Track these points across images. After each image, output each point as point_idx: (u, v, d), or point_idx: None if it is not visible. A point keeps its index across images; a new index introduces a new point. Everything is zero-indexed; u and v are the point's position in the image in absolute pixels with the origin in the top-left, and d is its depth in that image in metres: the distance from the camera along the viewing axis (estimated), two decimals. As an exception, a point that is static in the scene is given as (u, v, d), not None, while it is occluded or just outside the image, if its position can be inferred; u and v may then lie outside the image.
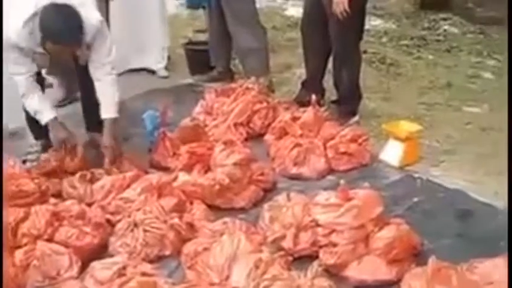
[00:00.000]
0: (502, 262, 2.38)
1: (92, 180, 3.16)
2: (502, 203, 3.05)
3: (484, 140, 3.83)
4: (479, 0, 7.78)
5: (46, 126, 3.32)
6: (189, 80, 4.87)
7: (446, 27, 6.39)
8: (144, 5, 4.77)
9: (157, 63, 4.96)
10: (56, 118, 3.29)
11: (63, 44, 3.03)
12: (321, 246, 2.65)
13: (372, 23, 6.26)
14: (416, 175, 3.36)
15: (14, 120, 3.75)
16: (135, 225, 2.76)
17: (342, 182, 2.76)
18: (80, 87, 3.70)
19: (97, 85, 3.31)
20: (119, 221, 2.85)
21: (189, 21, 6.40)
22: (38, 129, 3.46)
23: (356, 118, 4.00)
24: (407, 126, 3.57)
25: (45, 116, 3.27)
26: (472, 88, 4.78)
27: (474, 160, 3.56)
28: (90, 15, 3.12)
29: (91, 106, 3.49)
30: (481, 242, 2.74)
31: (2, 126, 3.53)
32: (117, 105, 3.34)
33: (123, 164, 3.32)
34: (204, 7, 4.94)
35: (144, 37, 4.84)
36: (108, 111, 3.31)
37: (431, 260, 2.37)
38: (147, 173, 3.26)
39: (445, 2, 7.37)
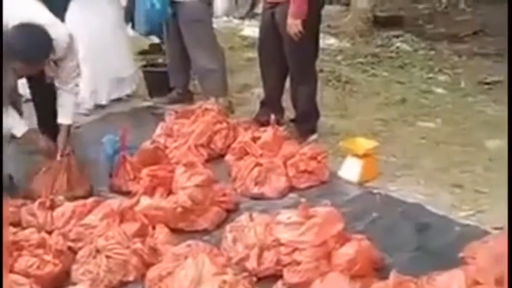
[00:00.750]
0: (459, 274, 2.45)
1: (52, 207, 3.11)
2: (458, 215, 3.15)
3: (439, 154, 3.94)
4: (429, 18, 8.07)
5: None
6: (148, 102, 4.86)
7: (398, 44, 6.58)
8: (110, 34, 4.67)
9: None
10: (30, 130, 3.38)
11: (30, 63, 3.10)
12: (284, 265, 2.68)
13: (327, 41, 6.39)
14: (375, 191, 3.43)
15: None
16: (97, 251, 2.73)
17: (302, 200, 2.80)
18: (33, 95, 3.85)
19: (59, 93, 3.46)
20: (81, 248, 2.82)
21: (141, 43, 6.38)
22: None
23: (315, 136, 4.07)
24: (364, 143, 3.65)
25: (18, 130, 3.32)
26: (425, 103, 4.92)
27: (430, 174, 3.66)
28: (60, 31, 3.21)
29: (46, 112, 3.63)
30: (439, 255, 2.82)
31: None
32: (72, 114, 3.58)
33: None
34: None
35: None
36: (65, 117, 3.50)
37: (393, 274, 2.42)
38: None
39: (397, 20, 7.61)
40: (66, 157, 3.47)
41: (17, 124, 3.34)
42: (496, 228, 2.90)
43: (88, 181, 3.51)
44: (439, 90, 5.27)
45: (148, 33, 4.84)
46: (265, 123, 3.99)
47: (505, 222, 2.83)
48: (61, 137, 3.49)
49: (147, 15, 4.41)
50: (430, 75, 5.67)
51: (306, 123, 4.10)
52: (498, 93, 5.10)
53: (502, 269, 2.51)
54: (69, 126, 3.56)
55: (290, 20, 3.76)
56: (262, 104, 4.35)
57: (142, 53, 5.82)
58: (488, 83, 5.37)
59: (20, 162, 3.62)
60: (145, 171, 3.37)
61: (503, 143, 4.00)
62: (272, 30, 3.98)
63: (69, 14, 4.34)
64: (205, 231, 3.09)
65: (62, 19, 4.18)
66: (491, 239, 2.76)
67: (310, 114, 4.12)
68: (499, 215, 3.16)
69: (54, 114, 3.53)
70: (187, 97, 4.79)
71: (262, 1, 4.44)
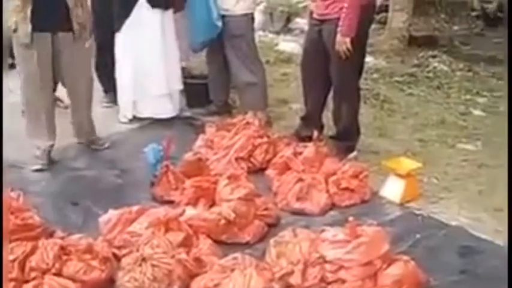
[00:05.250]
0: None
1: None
2: (502, 240, 3.11)
3: (480, 177, 3.91)
4: (465, 39, 8.02)
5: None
6: (187, 113, 4.90)
7: (435, 64, 6.53)
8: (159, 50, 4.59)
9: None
10: None
11: None
12: (329, 283, 2.68)
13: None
14: (417, 212, 3.42)
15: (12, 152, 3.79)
16: (143, 259, 2.75)
17: (350, 218, 2.80)
18: None
19: None
20: (125, 255, 2.84)
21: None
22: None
23: (354, 154, 4.06)
24: (407, 163, 3.64)
25: None
26: (464, 125, 4.89)
27: (472, 197, 3.63)
28: None
29: None
30: (484, 279, 2.79)
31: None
32: None
33: None
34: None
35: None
36: None
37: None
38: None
39: (433, 40, 7.57)
40: None
41: None
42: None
43: None
44: (478, 112, 5.23)
45: (203, 46, 4.70)
46: (304, 139, 4.00)
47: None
48: None
49: (204, 25, 4.41)
50: (468, 96, 5.62)
51: (347, 140, 4.10)
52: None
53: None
54: None
55: (339, 38, 3.77)
56: (303, 119, 4.35)
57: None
58: (527, 107, 5.32)
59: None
60: (189, 182, 3.41)
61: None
62: (318, 47, 3.99)
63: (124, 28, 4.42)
64: (247, 245, 3.10)
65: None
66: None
67: (351, 132, 4.12)
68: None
69: None
70: (225, 110, 4.82)
71: (307, 16, 4.43)
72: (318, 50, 4.00)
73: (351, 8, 3.71)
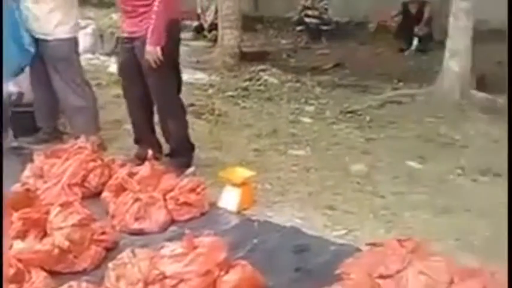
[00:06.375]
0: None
1: None
2: (332, 235, 3.33)
3: (310, 179, 4.14)
4: (292, 52, 8.52)
5: None
6: (14, 143, 4.63)
7: (266, 77, 6.86)
8: None
9: None
10: None
11: None
12: (170, 298, 2.67)
13: (196, 76, 6.53)
14: (253, 218, 3.53)
15: None
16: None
17: (187, 231, 2.82)
18: None
19: None
20: None
21: None
22: None
23: (192, 169, 4.11)
24: (241, 173, 3.76)
25: None
26: (294, 132, 5.16)
27: (303, 198, 3.84)
28: None
29: None
30: (317, 273, 2.95)
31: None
32: None
33: None
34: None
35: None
36: None
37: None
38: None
39: (263, 55, 7.96)
40: None
41: None
42: (367, 245, 3.08)
43: None
44: (306, 120, 5.56)
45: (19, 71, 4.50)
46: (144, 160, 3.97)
47: (373, 240, 3.06)
48: None
49: (16, 51, 4.22)
50: (297, 105, 5.97)
51: (181, 156, 4.13)
52: (360, 121, 5.49)
53: (373, 282, 2.71)
54: None
55: (149, 48, 3.81)
56: (136, 141, 4.32)
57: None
58: (350, 112, 5.76)
59: None
60: (16, 215, 3.20)
61: (366, 167, 4.34)
62: (133, 65, 3.99)
63: None
64: (85, 272, 2.99)
65: None
66: (363, 255, 2.96)
67: (184, 148, 4.16)
68: (369, 232, 3.40)
69: None
70: (55, 136, 4.63)
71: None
72: (133, 69, 4.01)
73: (159, 19, 3.78)
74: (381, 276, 2.75)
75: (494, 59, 7.42)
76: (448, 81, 6.19)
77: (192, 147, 4.21)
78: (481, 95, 6.13)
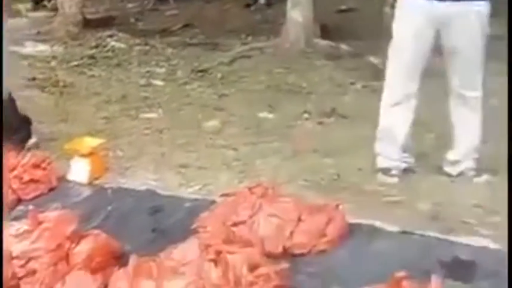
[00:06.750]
0: (193, 241, 2.62)
1: None
2: (187, 192, 3.35)
3: (163, 140, 4.13)
4: (140, 15, 8.33)
5: None
6: None
7: (113, 43, 6.65)
8: None
9: None
10: None
11: None
12: (20, 278, 2.55)
13: (38, 48, 6.20)
14: (106, 186, 3.46)
15: None
16: None
17: (30, 207, 2.71)
18: None
19: None
20: None
21: None
22: None
23: (34, 140, 3.91)
24: (89, 142, 3.64)
25: None
26: (145, 96, 5.09)
27: (156, 160, 3.81)
28: None
29: None
30: (174, 231, 2.97)
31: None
32: None
33: None
34: None
35: None
36: None
37: (132, 259, 2.49)
38: None
39: (108, 20, 7.69)
40: None
41: None
42: (222, 195, 3.13)
43: None
44: (158, 82, 5.49)
45: None
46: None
47: (228, 190, 3.13)
48: None
49: None
50: (148, 69, 5.87)
51: (19, 133, 3.90)
52: (211, 79, 5.53)
53: (228, 230, 2.79)
54: None
55: None
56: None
57: None
58: (201, 70, 5.77)
59: None
60: None
61: (219, 123, 4.41)
62: None
63: None
64: None
65: None
66: (217, 206, 3.02)
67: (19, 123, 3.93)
68: (223, 185, 3.47)
69: None
70: None
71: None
72: None
73: None
74: (235, 224, 2.83)
75: (334, 8, 7.79)
76: (293, 32, 6.41)
77: (28, 121, 3.98)
78: (325, 42, 6.42)
